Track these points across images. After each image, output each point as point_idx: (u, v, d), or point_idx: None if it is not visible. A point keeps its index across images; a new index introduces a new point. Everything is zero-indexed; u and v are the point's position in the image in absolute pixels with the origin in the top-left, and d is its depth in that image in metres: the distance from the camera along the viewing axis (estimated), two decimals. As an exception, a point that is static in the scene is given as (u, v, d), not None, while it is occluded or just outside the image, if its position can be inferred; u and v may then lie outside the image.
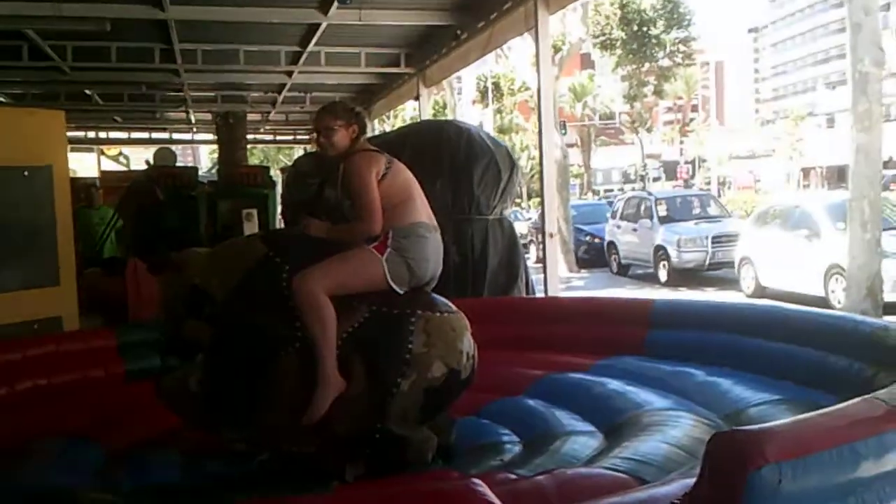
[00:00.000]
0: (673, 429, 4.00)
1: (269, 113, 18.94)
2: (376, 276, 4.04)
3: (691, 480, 2.60)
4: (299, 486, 3.78)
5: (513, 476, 3.62)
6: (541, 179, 8.80)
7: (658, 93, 43.96)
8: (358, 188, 4.09)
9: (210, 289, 4.15)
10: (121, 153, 26.81)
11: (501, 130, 41.83)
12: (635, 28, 36.02)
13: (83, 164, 21.28)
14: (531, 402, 4.86)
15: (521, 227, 19.70)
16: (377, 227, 4.06)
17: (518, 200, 30.72)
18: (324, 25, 10.68)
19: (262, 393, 4.02)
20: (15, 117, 7.00)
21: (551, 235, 8.63)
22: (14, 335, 5.91)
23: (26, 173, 6.37)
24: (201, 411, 4.16)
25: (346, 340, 3.96)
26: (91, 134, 22.21)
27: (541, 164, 8.84)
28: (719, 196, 34.27)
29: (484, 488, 2.37)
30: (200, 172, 16.65)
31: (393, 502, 2.36)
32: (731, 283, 15.75)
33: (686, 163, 56.69)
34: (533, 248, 21.50)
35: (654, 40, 37.10)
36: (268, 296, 4.04)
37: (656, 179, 55.72)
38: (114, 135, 23.14)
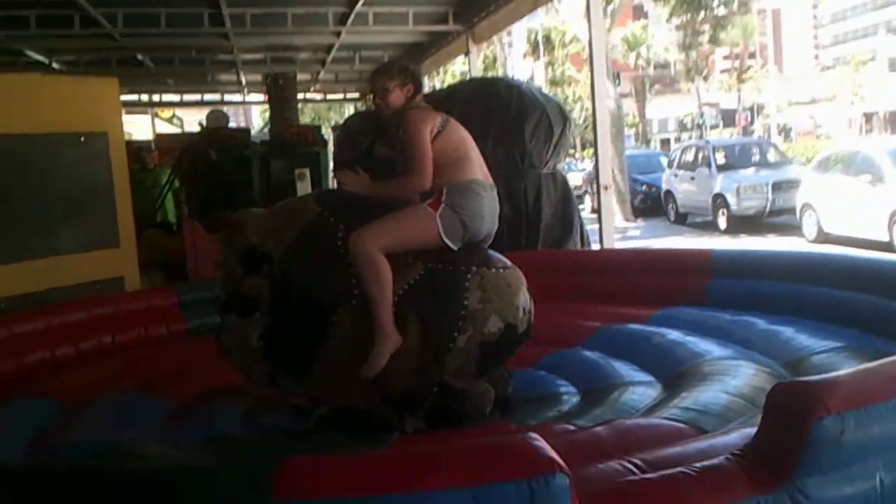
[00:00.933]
0: (733, 378, 3.96)
1: (318, 73, 18.93)
2: (430, 232, 4.03)
3: (752, 430, 2.58)
4: (358, 440, 3.83)
5: (570, 427, 3.62)
6: (594, 131, 8.68)
7: (714, 41, 42.99)
8: (410, 142, 4.09)
9: (266, 248, 4.21)
10: (174, 115, 27.11)
11: (554, 83, 41.33)
12: (689, -24, 35.18)
13: (138, 127, 21.58)
14: (589, 353, 4.85)
15: (575, 179, 19.57)
16: (427, 182, 4.05)
17: (571, 151, 30.43)
18: (371, -15, 10.62)
19: (321, 348, 4.08)
20: (70, 85, 7.12)
21: (606, 188, 8.53)
22: (77, 295, 6.07)
23: (83, 139, 6.50)
24: (261, 366, 4.23)
25: (401, 297, 3.98)
26: (144, 97, 22.45)
27: (594, 116, 8.72)
28: (780, 143, 33.55)
29: (541, 441, 2.37)
30: (252, 133, 16.76)
31: (448, 456, 2.37)
32: (793, 229, 15.47)
33: (744, 110, 55.54)
34: (588, 198, 21.34)
35: (709, -12, 36.24)
36: (323, 254, 4.09)
37: (714, 127, 54.63)
38: (167, 97, 23.36)
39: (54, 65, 14.70)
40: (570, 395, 4.37)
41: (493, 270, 4.10)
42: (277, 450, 3.39)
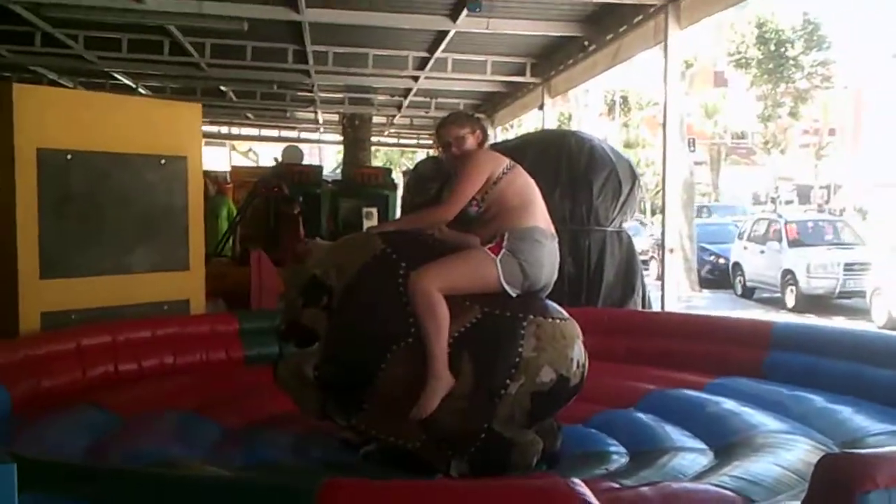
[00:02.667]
0: (787, 451, 3.93)
1: (394, 116, 19.30)
2: (490, 277, 4.10)
3: (798, 503, 2.58)
4: (402, 478, 3.88)
5: (616, 485, 3.63)
6: (663, 193, 8.71)
7: (794, 114, 42.61)
8: (462, 175, 4.23)
9: (328, 280, 4.30)
10: (251, 150, 27.75)
11: (627, 145, 41.26)
12: (772, 48, 35.07)
13: (216, 159, 22.14)
14: (641, 415, 4.85)
15: (642, 244, 19.46)
16: (449, 217, 4.22)
17: (641, 216, 30.28)
18: (452, 32, 10.85)
19: (373, 385, 4.14)
20: (155, 108, 7.33)
21: (671, 251, 8.54)
22: (145, 315, 6.25)
23: (163, 162, 6.67)
24: (315, 398, 4.32)
25: (456, 340, 4.04)
26: (224, 129, 23.07)
27: (663, 177, 8.75)
28: (856, 223, 32.91)
29: (584, 489, 2.40)
30: (325, 171, 17.10)
31: (490, 493, 2.42)
32: (862, 312, 15.16)
33: (821, 188, 54.67)
34: (654, 264, 21.18)
35: (791, 61, 36.05)
36: (383, 290, 4.16)
37: (788, 202, 53.87)
38: (245, 131, 23.98)
39: (140, 90, 15.23)
40: (619, 455, 4.38)
41: (550, 320, 4.15)
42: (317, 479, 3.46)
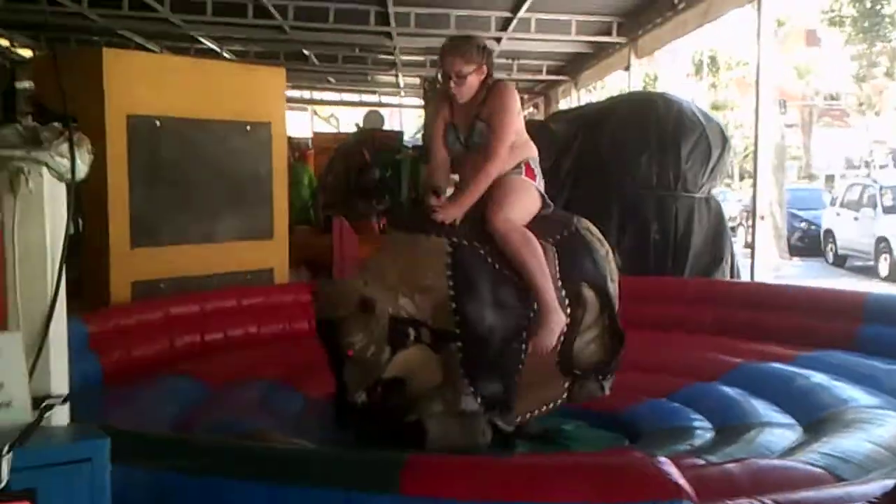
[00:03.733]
0: (879, 427, 3.82)
1: (476, 80, 19.17)
2: (536, 202, 4.14)
3: (892, 482, 2.50)
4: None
5: (701, 461, 3.58)
6: (754, 158, 8.48)
7: (889, 75, 40.92)
8: (507, 124, 4.03)
9: (407, 310, 3.87)
10: (332, 115, 27.97)
11: (715, 107, 40.28)
12: (867, 5, 33.68)
13: (297, 124, 22.37)
14: (727, 389, 4.75)
15: (730, 209, 19.05)
16: (504, 165, 4.05)
17: (728, 181, 29.60)
18: (536, -9, 10.70)
19: (519, 373, 4.00)
20: (239, 73, 7.31)
21: (762, 218, 8.33)
22: (229, 283, 6.36)
23: (248, 128, 6.69)
24: (479, 429, 3.95)
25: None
26: (306, 94, 23.25)
27: (755, 142, 8.51)
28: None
29: (669, 465, 2.38)
30: (406, 136, 17.13)
31: (575, 470, 2.41)
32: (962, 282, 14.63)
33: (921, 150, 52.58)
34: (742, 231, 20.72)
35: (887, 19, 34.57)
36: (484, 281, 3.93)
37: (883, 167, 52.01)
38: (327, 96, 24.12)
39: (225, 53, 15.41)
40: (703, 431, 4.31)
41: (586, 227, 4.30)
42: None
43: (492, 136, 4.00)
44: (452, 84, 4.04)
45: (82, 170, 1.95)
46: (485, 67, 4.10)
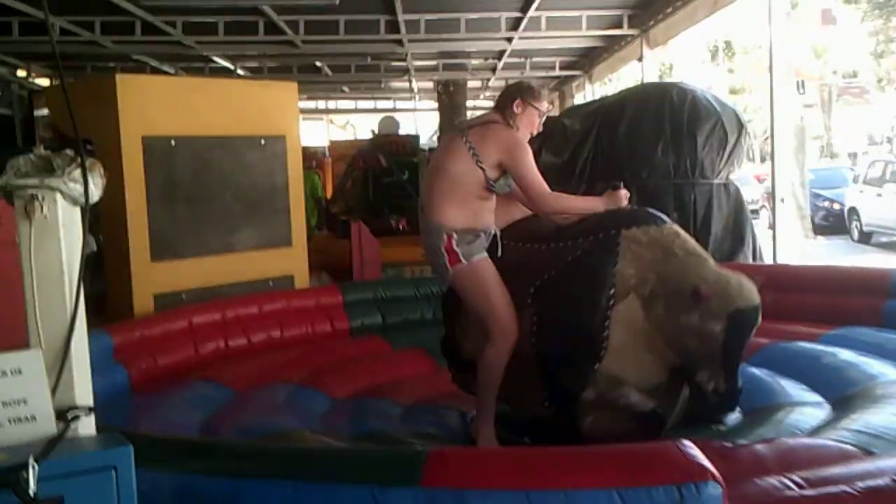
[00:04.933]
0: (910, 402, 3.79)
1: (488, 80, 19.17)
2: None
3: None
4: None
5: (729, 444, 3.56)
6: (772, 140, 8.43)
7: (908, 49, 40.48)
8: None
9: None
10: (348, 122, 28.11)
11: (733, 91, 40.08)
12: (883, -20, 33.37)
13: (314, 133, 22.52)
14: (755, 370, 4.73)
15: (751, 193, 18.91)
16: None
17: (750, 162, 29.37)
18: (545, -10, 10.69)
19: None
20: (253, 90, 7.48)
21: (782, 201, 8.27)
22: (252, 291, 6.44)
23: (263, 142, 6.84)
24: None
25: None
26: (321, 104, 23.37)
27: (771, 124, 8.47)
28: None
29: (694, 449, 2.37)
30: (422, 139, 17.18)
31: (597, 456, 2.42)
32: None
33: (944, 124, 51.92)
34: (765, 213, 20.57)
35: (903, -7, 34.21)
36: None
37: (906, 143, 51.45)
38: (342, 104, 24.24)
39: (239, 71, 15.54)
40: (732, 413, 4.29)
41: None
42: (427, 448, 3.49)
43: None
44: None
45: (95, 193, 2.04)
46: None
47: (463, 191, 3.91)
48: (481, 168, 3.89)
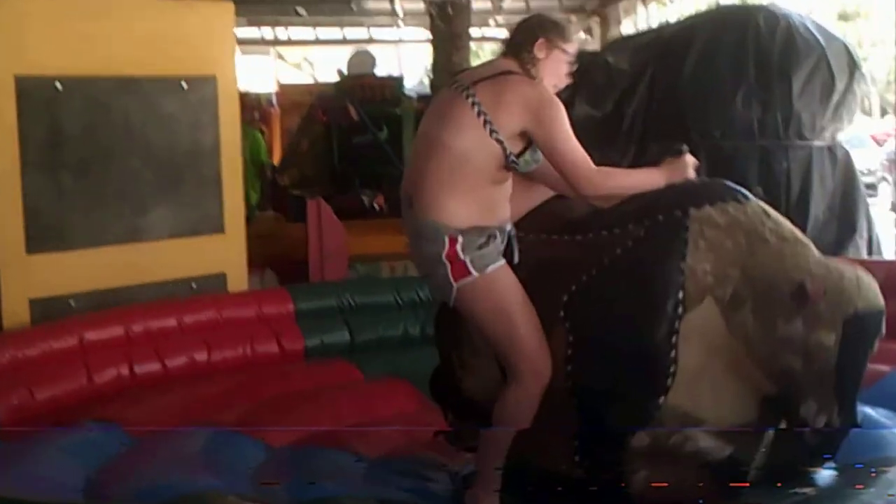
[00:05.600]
0: None
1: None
2: None
3: None
4: None
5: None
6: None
7: None
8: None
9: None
10: (304, 58, 28.05)
11: (843, 17, 40.17)
12: None
13: (255, 74, 22.43)
14: (867, 409, 4.73)
15: (867, 160, 18.95)
16: None
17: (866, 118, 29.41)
18: None
19: None
20: (172, 12, 7.22)
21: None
22: (168, 295, 6.41)
23: (184, 85, 6.78)
24: None
25: None
26: (267, 32, 23.30)
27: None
28: None
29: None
30: (408, 84, 17.14)
31: None
32: None
33: None
34: (885, 188, 20.62)
35: None
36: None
37: None
38: (296, 33, 24.17)
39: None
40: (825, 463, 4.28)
41: None
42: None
43: None
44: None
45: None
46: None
47: (471, 174, 3.77)
48: (498, 140, 3.77)
